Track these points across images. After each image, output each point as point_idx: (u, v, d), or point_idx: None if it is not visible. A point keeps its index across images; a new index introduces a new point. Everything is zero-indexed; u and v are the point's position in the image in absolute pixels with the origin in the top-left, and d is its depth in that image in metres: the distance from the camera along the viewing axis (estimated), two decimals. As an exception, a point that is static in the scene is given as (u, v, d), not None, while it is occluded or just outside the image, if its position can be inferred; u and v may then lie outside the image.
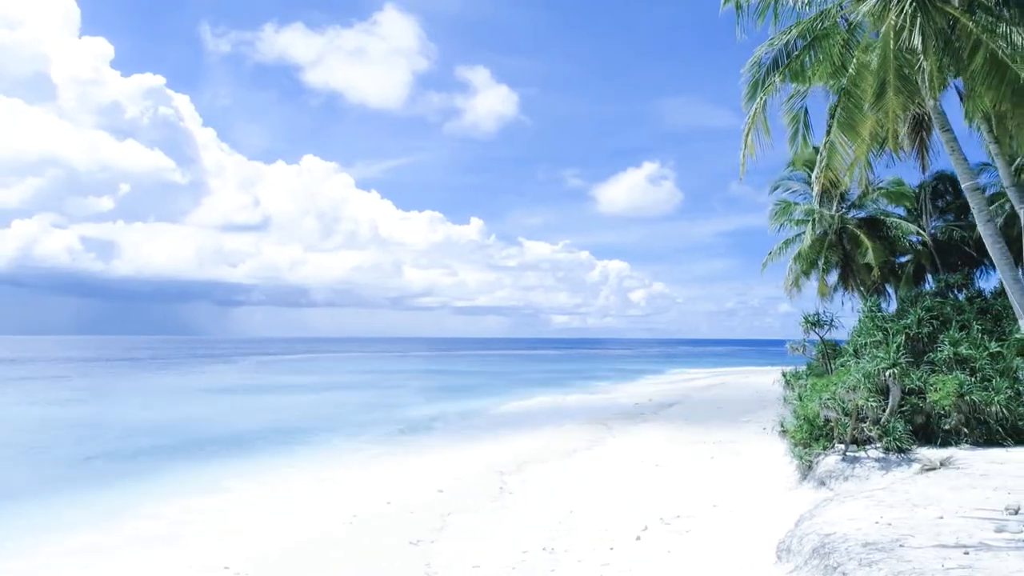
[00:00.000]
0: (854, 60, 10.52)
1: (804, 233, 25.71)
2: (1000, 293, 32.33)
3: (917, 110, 10.63)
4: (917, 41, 9.13)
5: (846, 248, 26.07)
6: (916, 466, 16.94)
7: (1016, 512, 11.50)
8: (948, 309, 24.76)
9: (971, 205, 9.98)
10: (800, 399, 20.57)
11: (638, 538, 16.69)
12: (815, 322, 23.22)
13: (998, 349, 19.96)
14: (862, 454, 18.31)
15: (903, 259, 38.71)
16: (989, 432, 18.51)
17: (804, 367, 28.52)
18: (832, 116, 11.08)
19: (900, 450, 18.10)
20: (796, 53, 10.58)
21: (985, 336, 20.66)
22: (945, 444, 18.44)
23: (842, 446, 18.72)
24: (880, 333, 21.07)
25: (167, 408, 47.93)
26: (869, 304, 22.50)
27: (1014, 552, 9.56)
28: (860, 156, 11.72)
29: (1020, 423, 18.61)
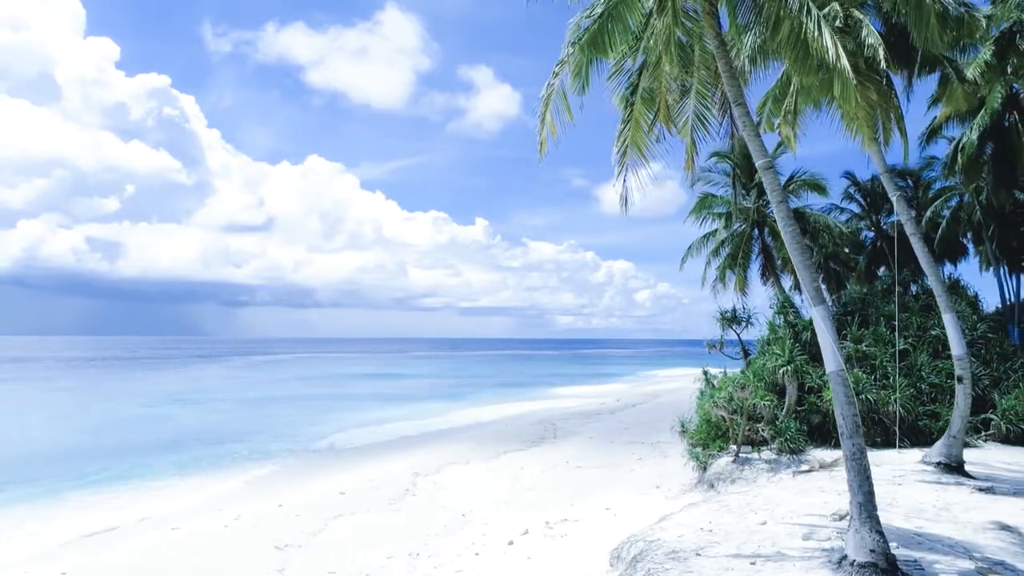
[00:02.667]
0: (650, 28, 9.77)
1: (721, 228, 24.99)
2: (949, 289, 31.45)
3: (688, 80, 9.84)
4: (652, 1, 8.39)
5: (765, 242, 25.23)
6: (804, 467, 16.21)
7: (841, 518, 10.76)
8: (891, 306, 23.95)
9: (764, 184, 9.23)
10: (702, 397, 19.81)
11: (511, 543, 16.04)
12: (732, 319, 22.41)
13: (905, 347, 19.12)
14: (755, 455, 17.57)
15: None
16: (887, 432, 17.69)
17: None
18: (634, 92, 10.32)
19: (792, 451, 17.35)
20: (592, 22, 9.79)
21: (895, 333, 19.79)
22: (838, 445, 17.58)
23: (744, 447, 18.01)
24: (788, 330, 20.26)
25: (116, 409, 47.42)
26: (781, 300, 21.66)
27: (801, 563, 8.83)
28: (684, 136, 10.98)
29: (920, 423, 17.80)
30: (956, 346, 14.19)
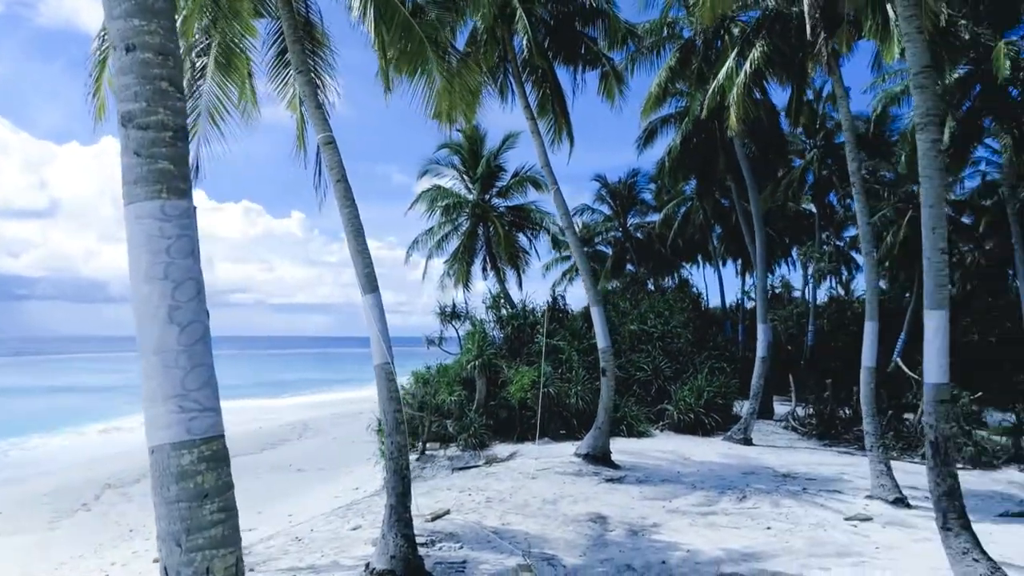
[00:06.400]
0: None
1: (446, 222, 24.88)
2: (679, 287, 33.40)
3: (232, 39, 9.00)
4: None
5: (489, 236, 25.35)
6: (461, 464, 15.88)
7: (435, 519, 10.35)
8: (626, 303, 24.64)
9: (323, 161, 8.57)
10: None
11: (156, 560, 14.43)
12: (451, 314, 22.02)
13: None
14: (440, 452, 17.13)
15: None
16: (568, 424, 17.96)
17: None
18: (204, 52, 9.30)
19: (477, 447, 17.11)
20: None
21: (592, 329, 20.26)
22: (522, 439, 17.65)
23: (433, 444, 17.56)
24: (496, 324, 20.19)
25: None
26: (494, 295, 21.63)
27: (340, 573, 8.17)
28: (293, 111, 10.07)
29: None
30: (601, 339, 14.45)
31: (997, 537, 10.72)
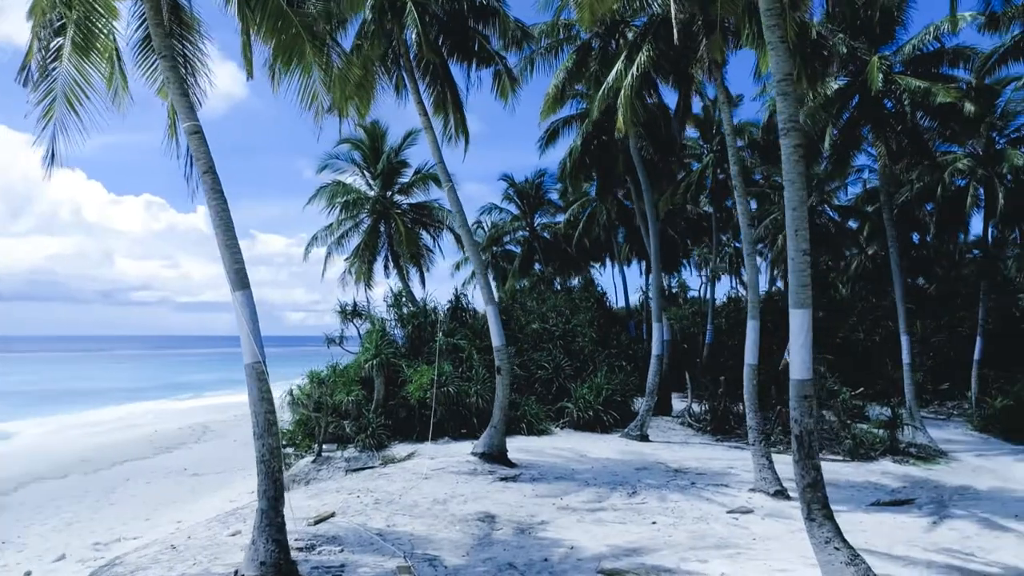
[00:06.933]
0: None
1: (346, 218, 24.53)
2: (584, 287, 33.85)
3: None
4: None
5: (391, 234, 25.16)
6: (358, 465, 15.61)
7: (318, 522, 10.11)
8: (534, 302, 24.68)
9: (192, 151, 8.25)
10: (291, 395, 18.68)
11: (28, 574, 13.60)
12: (353, 312, 21.61)
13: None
14: (337, 454, 16.79)
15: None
16: (467, 423, 17.93)
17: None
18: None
19: (375, 447, 16.87)
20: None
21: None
22: (422, 438, 17.50)
23: (331, 445, 17.20)
24: (396, 322, 19.96)
25: None
26: (395, 293, 21.41)
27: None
28: (163, 98, 9.61)
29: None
30: (495, 338, 14.49)
31: (866, 525, 11.32)
